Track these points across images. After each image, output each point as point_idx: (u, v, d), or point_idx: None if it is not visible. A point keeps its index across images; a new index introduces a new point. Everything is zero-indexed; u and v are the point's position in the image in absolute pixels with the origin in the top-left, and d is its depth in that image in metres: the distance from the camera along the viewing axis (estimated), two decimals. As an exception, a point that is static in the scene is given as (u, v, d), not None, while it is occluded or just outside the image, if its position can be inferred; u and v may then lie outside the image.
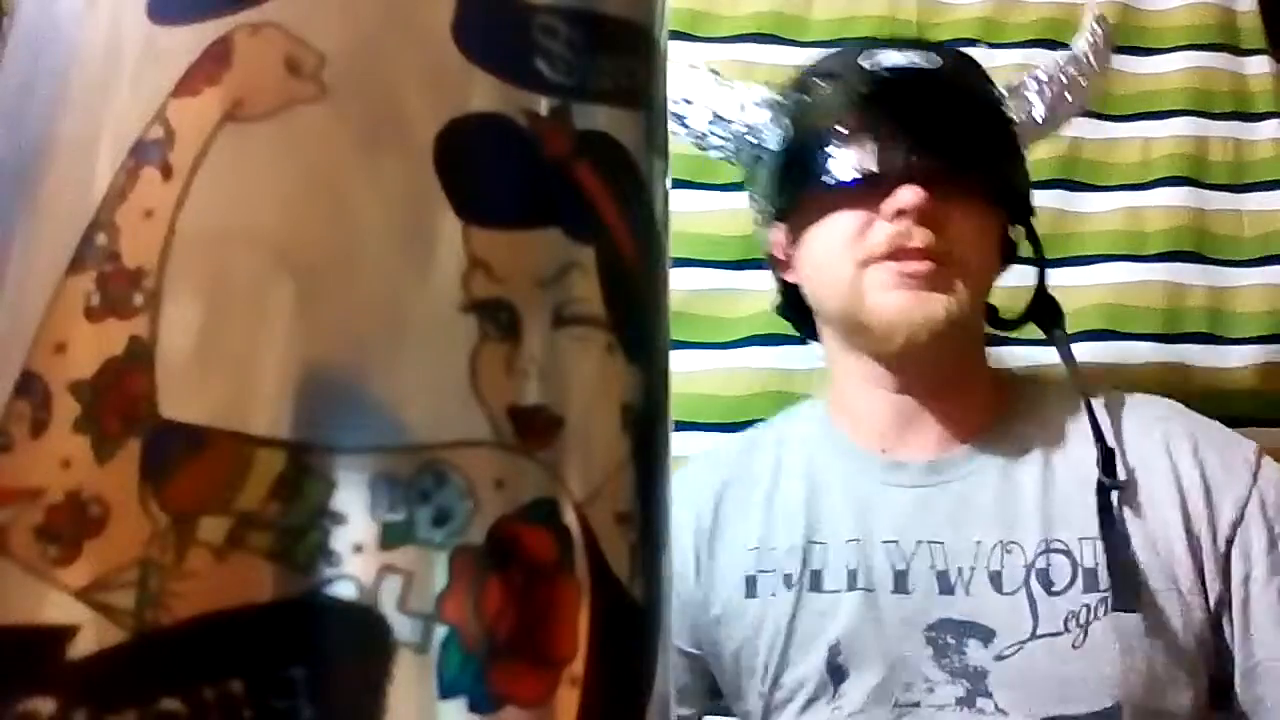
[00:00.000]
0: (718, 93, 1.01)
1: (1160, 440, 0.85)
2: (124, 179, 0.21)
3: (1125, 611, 0.79)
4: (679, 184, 1.13)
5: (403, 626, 0.18)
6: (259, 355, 0.19)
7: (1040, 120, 0.96)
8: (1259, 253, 1.16)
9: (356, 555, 0.19)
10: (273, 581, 0.18)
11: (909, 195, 0.82)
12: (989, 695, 0.80)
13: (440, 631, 0.19)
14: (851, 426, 0.90)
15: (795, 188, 0.91)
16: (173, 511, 0.19)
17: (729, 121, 1.01)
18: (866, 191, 0.84)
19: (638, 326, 0.22)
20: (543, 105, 0.23)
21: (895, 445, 0.88)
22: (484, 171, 0.21)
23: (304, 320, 0.19)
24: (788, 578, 0.87)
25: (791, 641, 0.85)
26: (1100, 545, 0.82)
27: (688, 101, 1.01)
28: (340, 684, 0.18)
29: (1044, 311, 0.94)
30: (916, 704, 0.81)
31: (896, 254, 0.83)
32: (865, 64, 0.89)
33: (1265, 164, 1.18)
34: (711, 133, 1.00)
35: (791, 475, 0.90)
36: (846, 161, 0.85)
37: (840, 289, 0.85)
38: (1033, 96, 0.96)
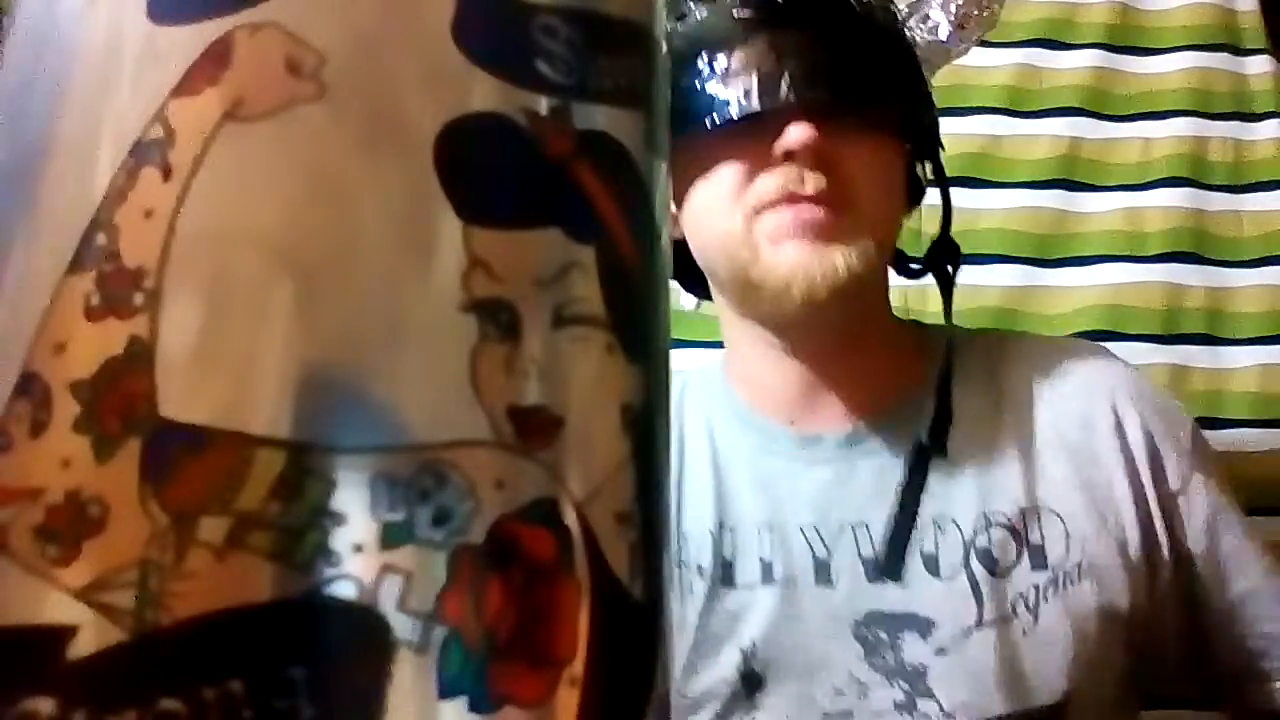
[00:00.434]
0: None
1: (1106, 398, 0.77)
2: (124, 179, 0.21)
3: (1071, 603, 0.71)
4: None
5: (403, 626, 0.18)
6: (259, 355, 0.19)
7: (945, 39, 0.86)
8: (1258, 253, 1.16)
9: (356, 555, 0.19)
10: (272, 581, 0.18)
11: (798, 134, 0.71)
12: (931, 696, 0.70)
13: (440, 631, 0.19)
14: (754, 396, 0.81)
15: (672, 135, 0.78)
16: (173, 511, 0.19)
17: None
18: (751, 134, 0.74)
19: (638, 326, 0.22)
20: (543, 105, 0.23)
21: (805, 417, 0.79)
22: (484, 171, 0.21)
23: (304, 320, 0.19)
24: (700, 570, 0.75)
25: (698, 647, 0.73)
26: (1046, 517, 0.73)
27: None
28: (340, 684, 0.18)
29: (945, 255, 0.84)
30: (849, 712, 0.70)
31: (788, 200, 0.73)
32: None
33: (1265, 164, 1.18)
34: None
35: (696, 452, 0.80)
36: (725, 100, 0.75)
37: (729, 246, 0.75)
38: (937, 14, 0.87)
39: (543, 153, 0.22)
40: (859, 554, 0.73)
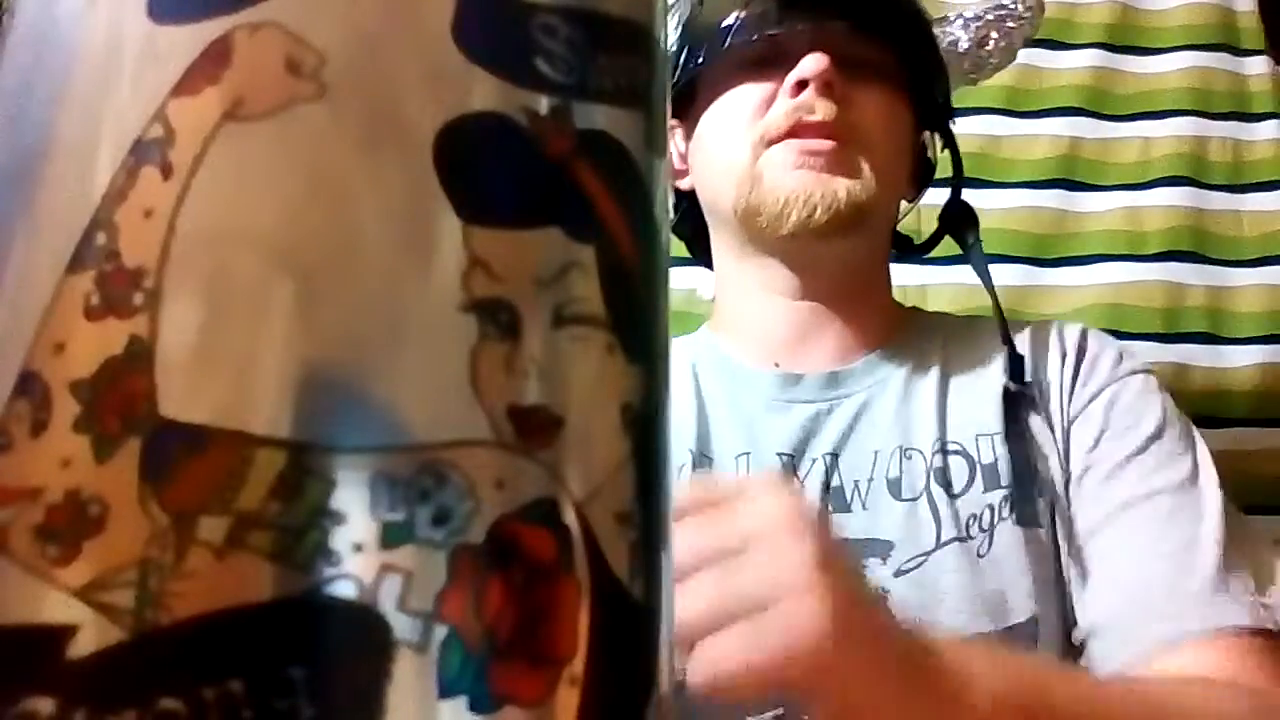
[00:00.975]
0: None
1: (1056, 339, 0.80)
2: (124, 178, 0.21)
3: (1025, 526, 0.70)
4: (678, 184, 1.13)
5: (403, 626, 0.19)
6: (259, 355, 0.19)
7: (963, 51, 0.90)
8: (1258, 253, 1.16)
9: (356, 554, 0.19)
10: (273, 581, 0.18)
11: (812, 63, 0.75)
12: None
13: (440, 631, 0.19)
14: (739, 346, 0.83)
15: (691, 65, 0.82)
16: (172, 511, 0.19)
17: None
18: (766, 66, 0.78)
19: (638, 326, 0.22)
20: (543, 104, 0.23)
21: (790, 359, 0.81)
22: (484, 170, 0.21)
23: (304, 319, 0.19)
24: None
25: None
26: (998, 439, 0.73)
27: None
28: (340, 683, 0.18)
29: (959, 223, 0.87)
30: None
31: (797, 129, 0.76)
32: None
33: (1264, 164, 1.19)
34: None
35: (679, 392, 0.80)
36: (742, 25, 0.78)
37: (736, 174, 0.78)
38: (956, 30, 0.91)
39: (543, 152, 0.22)
40: (827, 484, 0.75)
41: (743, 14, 0.78)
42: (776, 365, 0.80)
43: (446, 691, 0.19)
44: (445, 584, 0.20)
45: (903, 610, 0.68)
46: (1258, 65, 1.21)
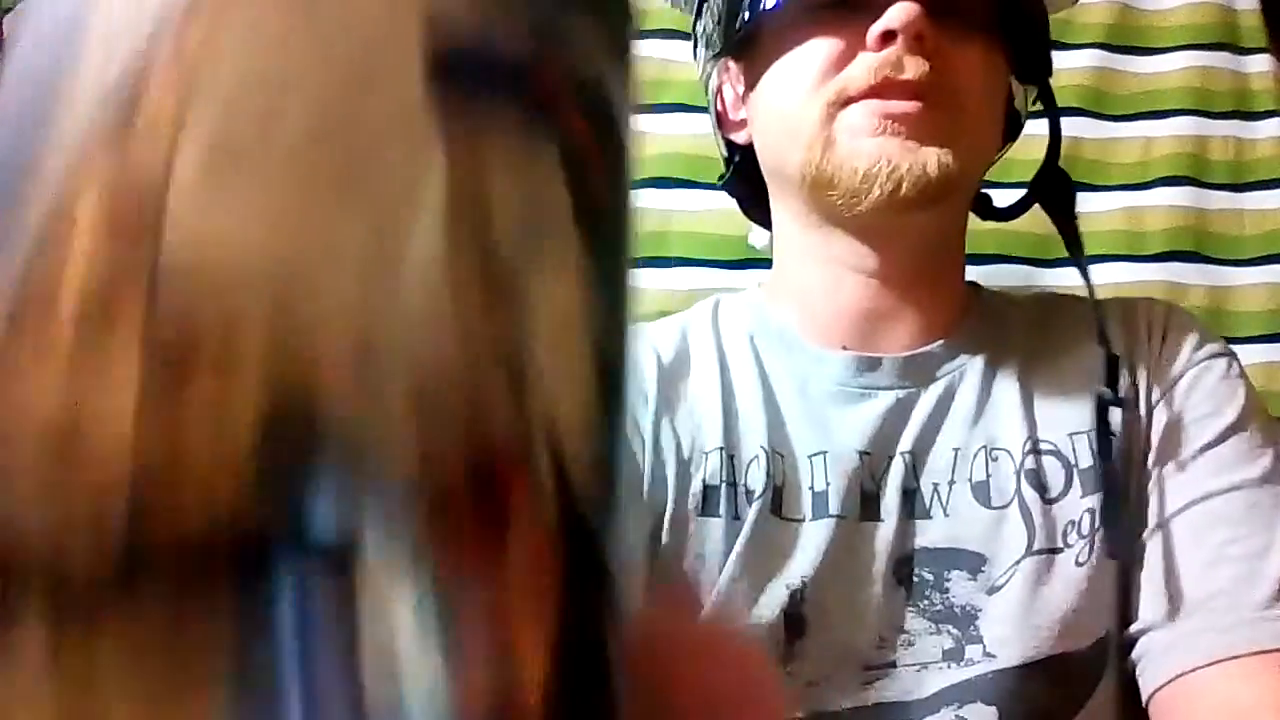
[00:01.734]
0: None
1: (1144, 323, 0.73)
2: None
3: (1114, 558, 0.64)
4: (679, 183, 1.13)
5: (377, 547, 0.19)
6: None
7: None
8: (1259, 252, 1.16)
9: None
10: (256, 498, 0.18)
11: (900, 13, 0.64)
12: (979, 640, 0.63)
13: (412, 566, 0.19)
14: (803, 322, 0.73)
15: (754, 7, 0.69)
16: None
17: None
18: (845, 16, 0.66)
19: (608, 263, 0.23)
20: (528, 51, 0.23)
21: (860, 340, 0.72)
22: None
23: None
24: (750, 494, 0.67)
25: (740, 580, 0.65)
26: (1092, 438, 0.66)
27: None
28: (317, 601, 0.18)
29: (1053, 188, 0.78)
30: (892, 664, 0.63)
31: (881, 88, 0.65)
32: None
33: (1266, 163, 1.18)
34: None
35: (742, 370, 0.72)
36: None
37: (806, 136, 0.67)
38: None
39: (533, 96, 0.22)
40: (903, 486, 0.66)
41: None
42: (845, 348, 0.71)
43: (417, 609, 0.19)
44: (418, 523, 0.20)
45: (993, 627, 0.62)
46: (1259, 64, 1.21)
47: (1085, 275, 0.74)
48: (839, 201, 0.66)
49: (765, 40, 0.70)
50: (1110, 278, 1.16)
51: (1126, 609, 0.66)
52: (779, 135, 0.70)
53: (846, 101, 0.66)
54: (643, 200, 1.18)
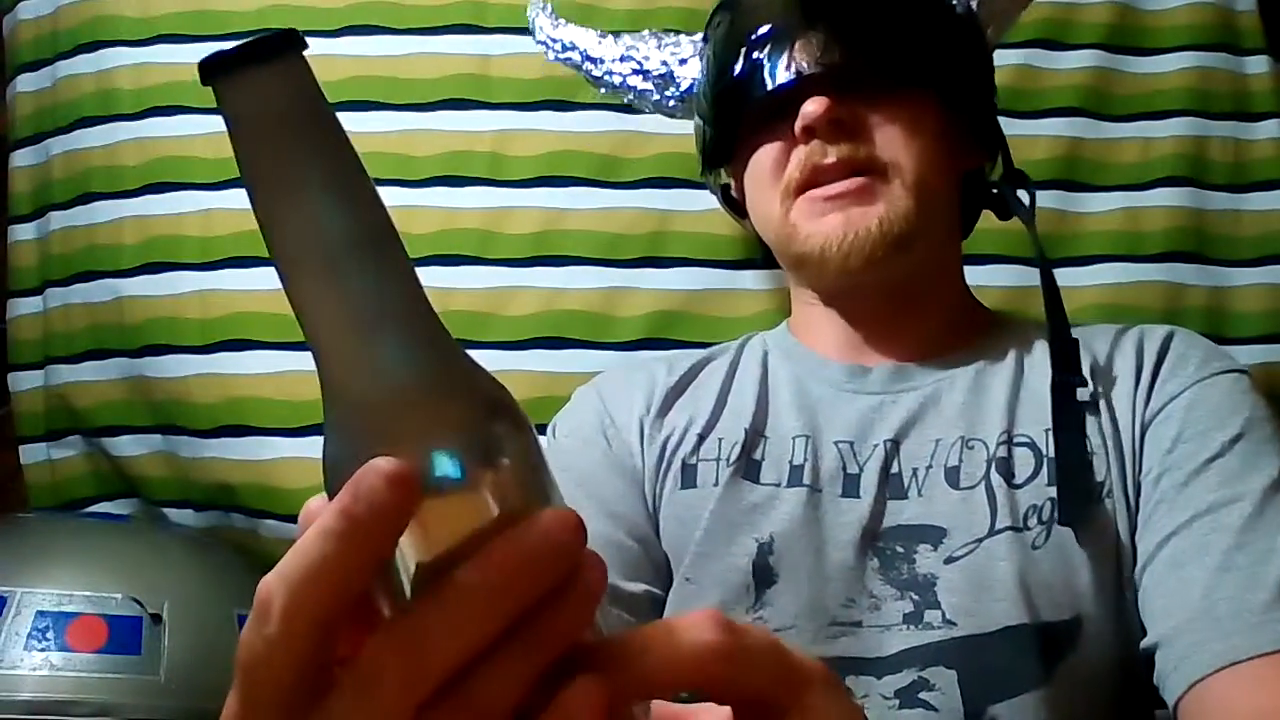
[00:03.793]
0: (639, 45, 0.93)
1: (1134, 340, 0.77)
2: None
3: (1067, 525, 0.67)
4: (679, 184, 1.13)
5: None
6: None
7: (975, 6, 0.85)
8: (1258, 253, 1.16)
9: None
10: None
11: (810, 108, 0.73)
12: (937, 605, 0.67)
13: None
14: (812, 342, 0.83)
15: (723, 127, 0.82)
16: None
17: (649, 71, 0.92)
18: (782, 120, 0.75)
19: None
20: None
21: (859, 358, 0.80)
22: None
23: None
24: (722, 461, 0.76)
25: (711, 535, 0.73)
26: (1051, 433, 0.71)
27: (602, 60, 0.94)
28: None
29: (1009, 182, 0.84)
30: (858, 623, 0.68)
31: (815, 178, 0.74)
32: None
33: (1265, 164, 1.18)
34: (637, 87, 0.94)
35: (746, 374, 0.82)
36: (758, 81, 0.76)
37: (774, 229, 0.78)
38: None
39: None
40: (885, 470, 0.73)
41: (757, 67, 0.76)
42: (841, 359, 0.81)
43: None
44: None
45: (950, 596, 0.67)
46: (1258, 65, 1.20)
47: (1046, 275, 0.81)
48: (811, 274, 0.78)
49: (736, 150, 0.81)
50: (1109, 278, 1.16)
51: (1120, 603, 0.68)
52: (761, 226, 0.82)
53: (796, 193, 0.75)
54: (643, 200, 1.18)
